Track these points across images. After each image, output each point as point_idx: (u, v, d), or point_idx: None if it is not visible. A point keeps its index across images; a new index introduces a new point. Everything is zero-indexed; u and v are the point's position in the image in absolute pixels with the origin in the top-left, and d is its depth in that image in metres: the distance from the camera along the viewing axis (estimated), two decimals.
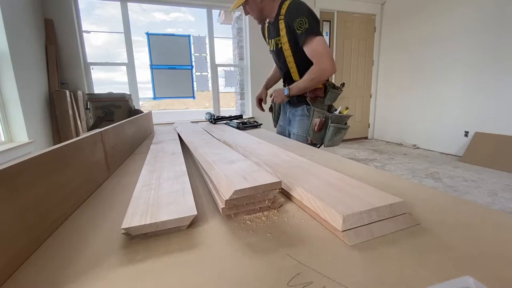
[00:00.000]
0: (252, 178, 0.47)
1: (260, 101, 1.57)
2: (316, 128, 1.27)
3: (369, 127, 4.88)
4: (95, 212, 0.50)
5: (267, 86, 1.61)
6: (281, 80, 1.52)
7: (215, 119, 1.70)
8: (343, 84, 1.36)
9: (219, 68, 3.77)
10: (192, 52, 3.57)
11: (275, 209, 0.49)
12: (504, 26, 2.86)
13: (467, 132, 3.33)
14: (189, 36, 3.53)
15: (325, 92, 1.29)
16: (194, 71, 3.62)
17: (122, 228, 0.37)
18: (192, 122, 1.82)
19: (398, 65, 4.23)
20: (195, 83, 3.66)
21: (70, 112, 2.73)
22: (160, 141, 1.08)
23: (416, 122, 4.04)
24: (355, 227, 0.38)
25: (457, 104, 3.43)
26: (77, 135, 2.50)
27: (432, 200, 0.49)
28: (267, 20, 1.34)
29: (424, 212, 0.44)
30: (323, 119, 1.26)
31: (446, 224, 0.41)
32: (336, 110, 1.32)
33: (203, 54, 3.64)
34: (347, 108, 1.30)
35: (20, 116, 2.29)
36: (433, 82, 3.70)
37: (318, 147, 1.27)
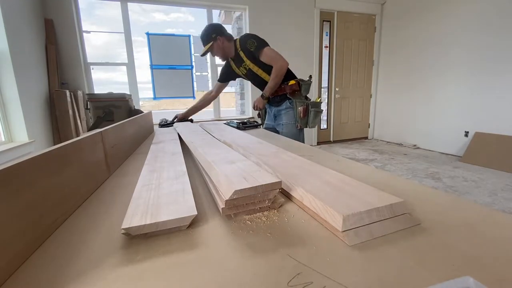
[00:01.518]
0: (252, 178, 0.47)
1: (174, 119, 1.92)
2: (302, 114, 1.61)
3: (369, 127, 4.88)
4: (95, 212, 0.50)
5: (194, 109, 1.97)
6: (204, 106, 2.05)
7: (162, 125, 1.74)
8: (310, 76, 1.77)
9: (219, 68, 3.77)
10: (192, 52, 3.57)
11: (275, 209, 0.49)
12: (504, 26, 2.86)
13: (467, 132, 3.33)
14: (189, 36, 3.53)
15: (299, 86, 1.65)
16: (194, 71, 3.62)
17: (122, 228, 0.37)
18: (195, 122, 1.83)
19: (398, 65, 4.23)
20: (195, 83, 3.66)
21: (70, 112, 2.73)
22: (160, 141, 1.08)
23: (416, 122, 4.03)
24: (355, 227, 0.38)
25: (457, 104, 3.43)
26: (77, 135, 2.50)
27: (432, 200, 0.49)
28: (229, 58, 1.76)
29: (424, 212, 0.44)
30: (305, 106, 1.61)
31: (446, 224, 0.40)
32: (310, 99, 1.69)
33: None
34: (319, 97, 1.49)
35: (20, 116, 2.29)
36: (433, 82, 3.70)
37: (301, 128, 1.66)
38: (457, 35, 3.32)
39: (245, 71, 1.76)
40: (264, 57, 1.57)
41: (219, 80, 2.00)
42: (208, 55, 1.79)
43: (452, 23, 3.36)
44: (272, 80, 1.58)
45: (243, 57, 1.67)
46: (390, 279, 0.29)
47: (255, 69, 1.68)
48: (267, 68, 1.63)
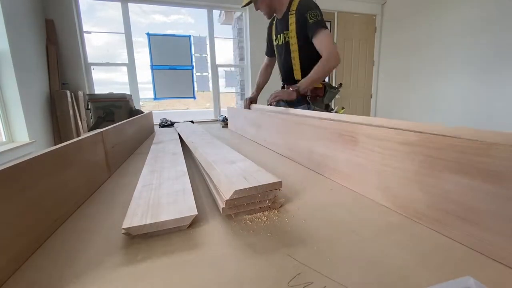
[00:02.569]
0: (253, 178, 0.47)
1: (250, 103, 1.55)
2: None
3: None
4: (95, 212, 0.50)
5: (259, 88, 1.65)
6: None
7: (163, 126, 1.75)
8: (340, 84, 1.43)
9: (220, 69, 3.78)
10: (193, 53, 3.57)
11: (275, 209, 0.49)
12: (505, 26, 2.86)
13: None
14: (189, 36, 3.54)
15: (324, 92, 1.34)
16: (194, 71, 3.63)
17: (123, 228, 0.38)
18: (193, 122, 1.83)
19: (399, 65, 4.23)
20: (195, 84, 3.66)
21: (71, 112, 2.73)
22: (161, 141, 1.08)
23: (416, 122, 4.03)
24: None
25: (457, 104, 3.42)
26: (78, 135, 2.50)
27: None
28: (275, 17, 1.39)
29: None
30: None
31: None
32: (332, 110, 1.37)
33: (203, 55, 3.64)
34: (343, 108, 1.39)
35: (21, 116, 2.29)
36: (433, 82, 3.70)
37: None
38: (458, 35, 3.31)
39: (281, 42, 1.37)
40: (319, 40, 1.19)
41: (267, 54, 1.61)
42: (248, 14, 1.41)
43: (453, 23, 3.35)
44: (315, 73, 1.19)
45: (291, 23, 1.26)
46: (390, 279, 0.29)
47: (293, 47, 1.29)
48: (306, 55, 1.28)
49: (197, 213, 0.42)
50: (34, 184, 0.39)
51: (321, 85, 1.33)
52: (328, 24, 4.19)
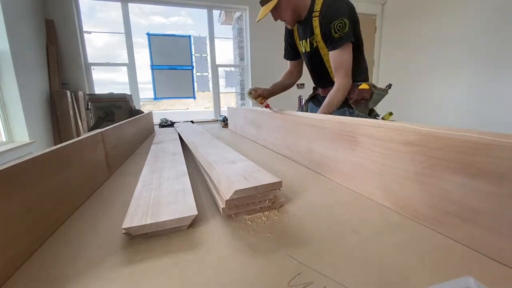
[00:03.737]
0: (253, 178, 0.47)
1: (259, 96, 1.20)
2: None
3: None
4: (95, 212, 0.50)
5: (274, 86, 1.35)
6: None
7: (163, 126, 1.75)
8: (389, 85, 1.20)
9: (220, 69, 3.78)
10: (193, 53, 3.57)
11: (275, 209, 0.49)
12: (505, 25, 2.86)
13: None
14: (189, 36, 3.54)
15: (371, 94, 1.14)
16: (194, 71, 3.63)
17: (123, 228, 0.38)
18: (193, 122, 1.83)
19: (399, 65, 4.23)
20: (195, 84, 3.66)
21: (71, 112, 2.73)
22: (161, 141, 1.08)
23: (416, 122, 4.03)
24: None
25: (457, 104, 3.42)
26: (78, 135, 2.50)
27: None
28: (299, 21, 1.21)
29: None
30: None
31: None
32: (378, 116, 1.15)
33: (203, 55, 3.64)
34: (391, 114, 1.12)
35: (21, 116, 2.29)
36: (433, 82, 3.70)
37: None
38: (458, 35, 3.31)
39: (309, 48, 1.19)
40: (336, 57, 1.05)
41: (287, 58, 1.38)
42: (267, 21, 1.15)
43: (453, 23, 3.35)
44: (332, 100, 1.06)
45: (315, 26, 1.08)
46: (390, 279, 0.29)
47: (324, 51, 1.12)
48: None
49: (197, 213, 0.42)
50: (34, 184, 0.39)
51: (367, 86, 1.13)
52: None
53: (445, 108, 3.60)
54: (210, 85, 3.75)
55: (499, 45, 2.93)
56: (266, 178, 0.47)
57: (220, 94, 3.84)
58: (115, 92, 2.46)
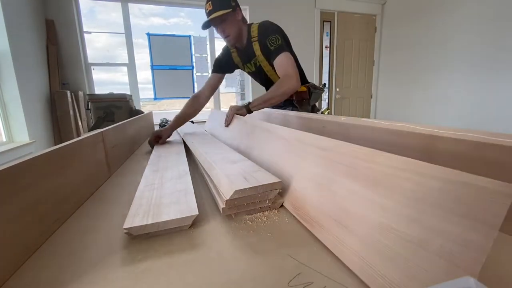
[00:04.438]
0: (253, 178, 0.47)
1: (157, 139, 1.12)
2: None
3: None
4: (96, 212, 0.50)
5: (173, 127, 1.24)
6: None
7: (163, 126, 1.74)
8: (324, 85, 1.49)
9: None
10: (193, 53, 3.57)
11: (275, 209, 0.49)
12: (505, 25, 2.86)
13: None
14: (189, 36, 3.54)
15: (309, 93, 1.36)
16: (194, 71, 3.63)
17: (124, 228, 0.38)
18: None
19: (399, 65, 4.23)
20: (196, 84, 3.66)
21: (71, 112, 2.73)
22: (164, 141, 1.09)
23: (416, 122, 4.03)
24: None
25: (458, 104, 3.42)
26: (78, 136, 2.50)
27: None
28: (234, 48, 1.33)
29: None
30: None
31: None
32: (319, 110, 1.40)
33: (203, 55, 3.64)
34: (327, 109, 1.47)
35: (21, 117, 2.29)
36: (433, 82, 3.70)
37: None
38: (458, 35, 3.31)
39: (254, 69, 1.35)
40: (278, 64, 1.16)
41: (214, 71, 1.42)
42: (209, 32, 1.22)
43: (453, 23, 3.35)
44: (269, 94, 1.13)
45: (256, 49, 1.24)
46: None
47: (267, 68, 1.29)
48: None
49: (198, 213, 0.42)
50: (34, 184, 0.39)
51: (304, 88, 1.34)
52: (328, 24, 4.20)
53: (445, 108, 3.60)
54: None
55: (500, 44, 2.94)
56: (266, 178, 0.47)
57: (220, 94, 3.84)
58: (115, 92, 2.46)
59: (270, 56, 1.20)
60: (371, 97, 4.76)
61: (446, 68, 3.50)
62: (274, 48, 1.16)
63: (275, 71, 1.24)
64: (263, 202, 0.47)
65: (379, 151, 0.35)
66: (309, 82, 1.39)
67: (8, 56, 2.18)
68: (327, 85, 1.35)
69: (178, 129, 1.30)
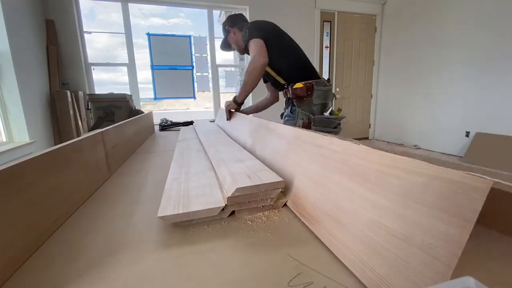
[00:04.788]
0: (256, 177, 0.48)
1: (230, 113, 1.41)
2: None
3: (369, 127, 4.88)
4: (96, 212, 0.50)
5: (253, 109, 1.64)
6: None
7: (163, 126, 1.74)
8: (328, 80, 1.31)
9: (220, 69, 3.78)
10: (193, 53, 3.57)
11: (277, 209, 0.49)
12: (504, 25, 2.86)
13: (468, 132, 3.32)
14: (189, 36, 3.54)
15: (311, 91, 1.24)
16: (194, 71, 3.63)
17: (158, 216, 0.40)
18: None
19: (399, 65, 4.23)
20: (195, 84, 3.66)
21: (71, 112, 2.73)
22: (185, 138, 1.13)
23: (417, 122, 4.03)
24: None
25: (458, 104, 3.42)
26: (78, 136, 2.50)
27: None
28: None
29: None
30: (307, 121, 1.21)
31: None
32: (328, 109, 1.27)
33: (203, 55, 3.64)
34: (339, 110, 1.24)
35: (21, 117, 2.29)
36: (434, 82, 3.70)
37: None
38: (458, 34, 3.31)
39: None
40: (249, 51, 1.24)
41: (264, 81, 1.57)
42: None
43: (453, 22, 3.35)
44: (244, 81, 1.23)
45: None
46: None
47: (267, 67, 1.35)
48: (276, 67, 1.31)
49: (224, 204, 0.44)
50: (35, 184, 0.39)
51: (301, 85, 1.24)
52: (328, 24, 4.20)
53: (445, 108, 3.60)
54: (210, 85, 3.75)
55: (500, 45, 2.93)
56: (269, 177, 0.48)
57: (220, 94, 3.84)
58: (115, 92, 2.46)
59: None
60: (371, 97, 4.76)
61: (446, 68, 3.49)
62: (245, 40, 1.26)
63: (271, 68, 1.33)
64: (265, 200, 0.47)
65: (372, 149, 0.35)
66: (320, 78, 1.29)
67: (8, 56, 2.18)
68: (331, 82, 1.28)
69: (196, 127, 1.45)
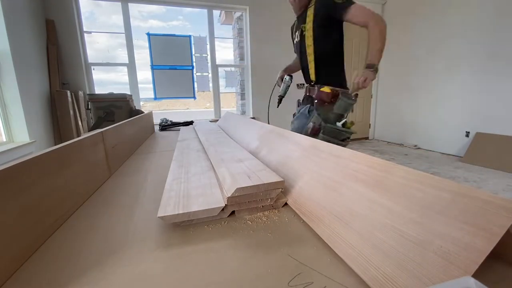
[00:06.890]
0: (256, 177, 0.48)
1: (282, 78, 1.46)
2: (309, 132, 1.19)
3: (369, 127, 4.88)
4: (95, 212, 0.50)
5: (286, 69, 1.53)
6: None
7: (163, 126, 1.74)
8: (356, 95, 1.23)
9: (220, 69, 3.77)
10: (193, 53, 3.57)
11: (277, 208, 0.49)
12: (504, 25, 2.86)
13: (468, 132, 3.32)
14: (189, 36, 3.53)
15: (335, 99, 1.20)
16: (194, 71, 3.63)
17: (158, 216, 0.40)
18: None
19: (399, 65, 4.23)
20: (196, 84, 3.66)
21: (71, 112, 2.73)
22: (185, 138, 1.13)
23: (417, 122, 4.03)
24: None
25: (458, 104, 3.42)
26: (78, 136, 2.50)
27: None
28: (296, 17, 1.35)
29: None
30: (317, 127, 1.17)
31: None
32: (342, 119, 1.22)
33: (203, 55, 3.64)
34: (352, 123, 1.20)
35: (21, 117, 2.29)
36: (434, 82, 3.70)
37: None
38: (458, 35, 3.31)
39: (299, 38, 1.30)
40: (354, 15, 1.10)
41: (295, 51, 1.47)
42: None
43: (453, 23, 3.35)
44: (374, 46, 1.08)
45: (308, 15, 1.20)
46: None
47: (309, 40, 1.22)
48: (321, 51, 1.23)
49: (224, 205, 0.44)
50: (35, 184, 0.39)
51: (329, 90, 1.20)
52: None
53: (445, 108, 3.60)
54: (210, 85, 3.75)
55: (501, 45, 2.93)
56: (269, 177, 0.48)
57: (220, 94, 3.84)
58: (115, 92, 2.46)
59: (336, 13, 1.14)
60: (371, 97, 4.76)
61: (446, 68, 3.49)
62: (343, 1, 1.11)
63: (314, 47, 1.23)
64: (265, 200, 0.47)
65: (396, 164, 0.37)
66: (346, 88, 1.25)
67: (8, 56, 2.18)
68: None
69: (196, 127, 1.43)
